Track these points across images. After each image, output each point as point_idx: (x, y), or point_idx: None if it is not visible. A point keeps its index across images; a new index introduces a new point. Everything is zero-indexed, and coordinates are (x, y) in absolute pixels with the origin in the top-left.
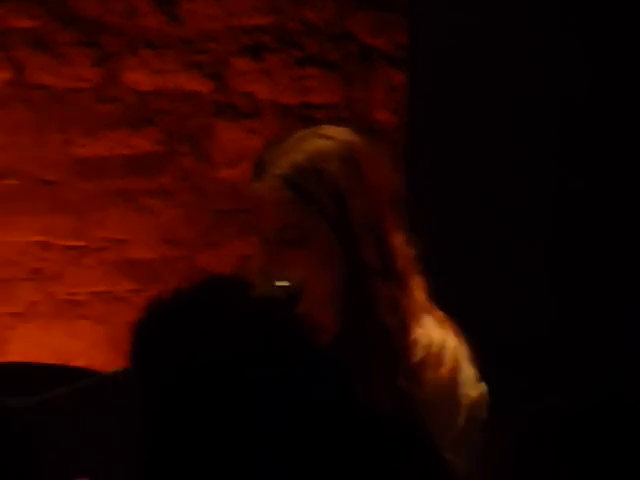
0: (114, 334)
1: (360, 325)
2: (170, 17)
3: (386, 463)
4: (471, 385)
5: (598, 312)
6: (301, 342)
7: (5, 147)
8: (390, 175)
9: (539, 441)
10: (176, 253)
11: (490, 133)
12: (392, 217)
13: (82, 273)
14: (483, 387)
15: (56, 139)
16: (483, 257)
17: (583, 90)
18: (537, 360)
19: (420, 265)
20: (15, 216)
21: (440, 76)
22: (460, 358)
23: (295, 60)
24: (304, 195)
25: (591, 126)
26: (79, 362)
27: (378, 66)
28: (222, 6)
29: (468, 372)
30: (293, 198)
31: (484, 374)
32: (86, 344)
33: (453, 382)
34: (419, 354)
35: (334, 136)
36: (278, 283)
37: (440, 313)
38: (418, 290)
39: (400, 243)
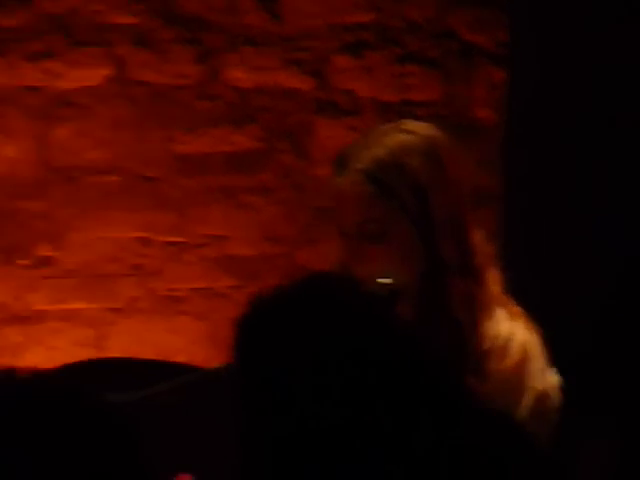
0: (214, 330)
1: (434, 320)
2: (271, 14)
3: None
4: (538, 378)
5: None
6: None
7: (106, 144)
8: (470, 171)
9: None
10: (276, 250)
11: (590, 133)
12: (471, 213)
13: (182, 269)
14: (553, 381)
15: (157, 136)
16: (575, 258)
17: None
18: None
19: (498, 261)
20: (116, 212)
21: (541, 74)
22: (530, 351)
23: (396, 57)
24: (385, 190)
25: None
26: (179, 358)
27: (479, 63)
28: (323, 3)
29: (537, 365)
30: (374, 193)
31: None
32: (186, 340)
33: (519, 375)
34: (484, 345)
35: (416, 131)
36: (380, 280)
37: (516, 308)
38: (494, 284)
39: (479, 239)
